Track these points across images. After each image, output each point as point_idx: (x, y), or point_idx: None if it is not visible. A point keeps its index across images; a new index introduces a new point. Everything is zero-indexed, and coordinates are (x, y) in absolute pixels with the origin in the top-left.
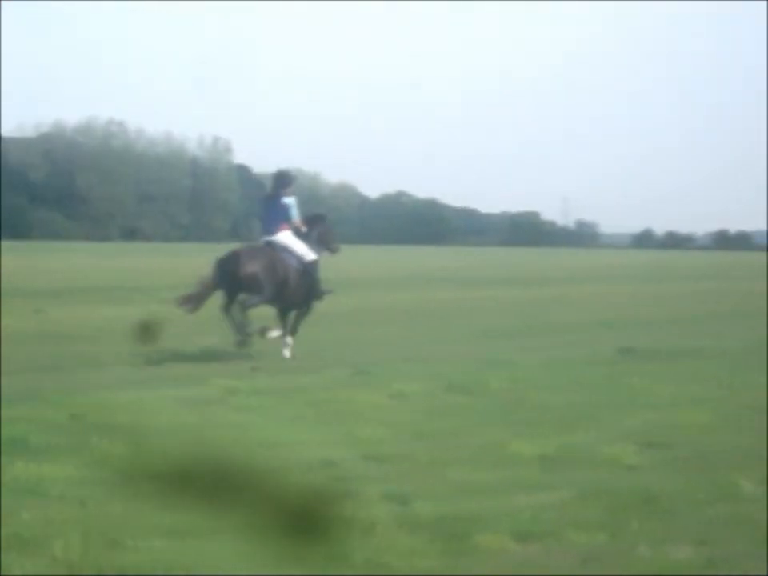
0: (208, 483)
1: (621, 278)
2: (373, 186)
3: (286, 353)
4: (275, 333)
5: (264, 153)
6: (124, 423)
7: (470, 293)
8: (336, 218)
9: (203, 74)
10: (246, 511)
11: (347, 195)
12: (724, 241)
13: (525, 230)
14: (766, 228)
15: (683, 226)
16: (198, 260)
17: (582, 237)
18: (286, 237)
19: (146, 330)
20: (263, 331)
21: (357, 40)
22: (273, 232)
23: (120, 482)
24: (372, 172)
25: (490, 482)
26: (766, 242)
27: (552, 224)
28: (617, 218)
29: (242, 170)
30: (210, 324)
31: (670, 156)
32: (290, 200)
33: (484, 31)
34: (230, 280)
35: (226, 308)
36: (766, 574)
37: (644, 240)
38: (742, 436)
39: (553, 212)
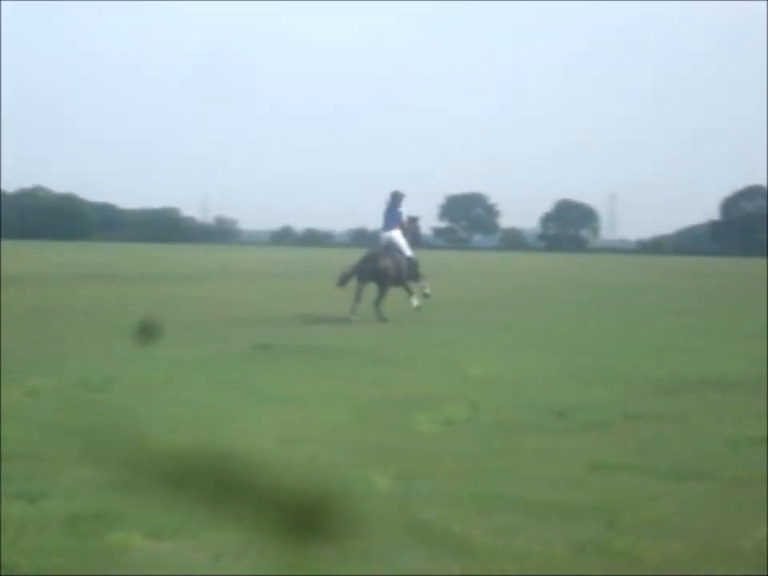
0: None
1: (257, 275)
2: (9, 179)
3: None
4: (416, 301)
5: None
6: None
7: (105, 289)
8: None
9: None
10: None
11: None
12: (362, 238)
13: (164, 226)
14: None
15: (321, 224)
16: None
17: (222, 233)
18: (397, 235)
19: (146, 330)
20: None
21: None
22: (390, 229)
23: None
24: (9, 165)
25: (122, 480)
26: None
27: (192, 220)
28: (258, 215)
29: None
30: None
31: (307, 155)
32: (402, 209)
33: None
34: (369, 269)
35: (358, 288)
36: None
37: (283, 237)
38: (376, 431)
39: (194, 208)
